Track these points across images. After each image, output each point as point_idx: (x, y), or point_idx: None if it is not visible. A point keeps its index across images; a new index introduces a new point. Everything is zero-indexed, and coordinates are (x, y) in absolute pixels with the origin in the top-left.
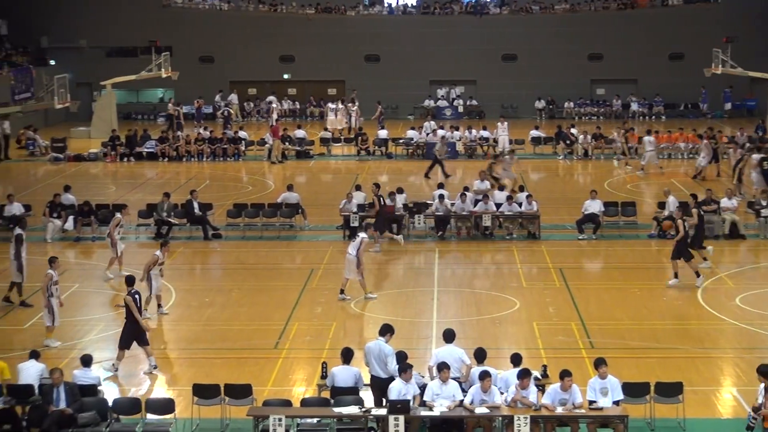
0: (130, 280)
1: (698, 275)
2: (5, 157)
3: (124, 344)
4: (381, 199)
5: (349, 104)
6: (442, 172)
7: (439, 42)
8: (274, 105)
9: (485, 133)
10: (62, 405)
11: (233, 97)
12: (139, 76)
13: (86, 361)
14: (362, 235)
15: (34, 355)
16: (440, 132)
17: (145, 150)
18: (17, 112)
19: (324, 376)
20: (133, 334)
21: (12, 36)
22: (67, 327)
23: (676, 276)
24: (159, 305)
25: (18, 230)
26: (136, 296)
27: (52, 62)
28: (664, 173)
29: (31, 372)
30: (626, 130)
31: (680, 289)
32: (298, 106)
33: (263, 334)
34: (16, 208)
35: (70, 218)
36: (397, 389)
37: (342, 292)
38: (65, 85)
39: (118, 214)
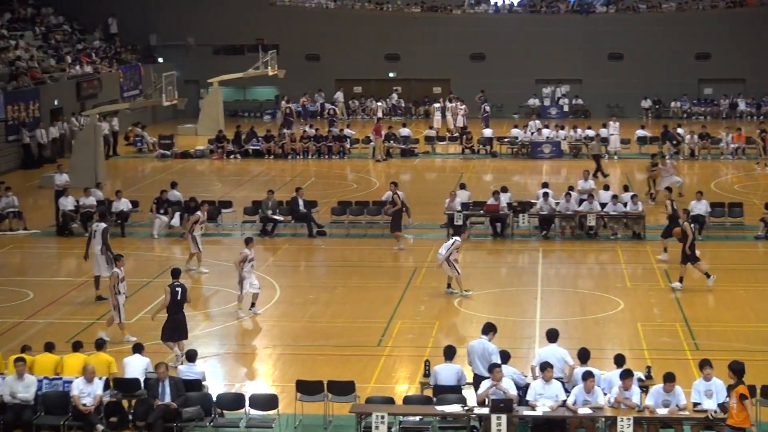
0: (175, 273)
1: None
2: (113, 154)
3: (177, 336)
4: (399, 197)
5: (456, 103)
6: (598, 169)
7: (545, 41)
8: (378, 103)
9: (590, 132)
10: (167, 399)
11: (339, 95)
12: (245, 74)
13: (191, 356)
14: (456, 238)
15: (138, 349)
16: (589, 132)
17: (251, 147)
18: (126, 109)
19: (427, 374)
20: (174, 324)
21: (122, 34)
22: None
23: None
24: (252, 304)
25: (103, 224)
26: (177, 289)
27: (161, 60)
28: None
29: (136, 366)
30: (762, 131)
31: None
32: (403, 105)
33: (366, 332)
34: (123, 204)
35: (177, 214)
36: (484, 387)
37: (449, 286)
38: (173, 83)
39: (198, 212)
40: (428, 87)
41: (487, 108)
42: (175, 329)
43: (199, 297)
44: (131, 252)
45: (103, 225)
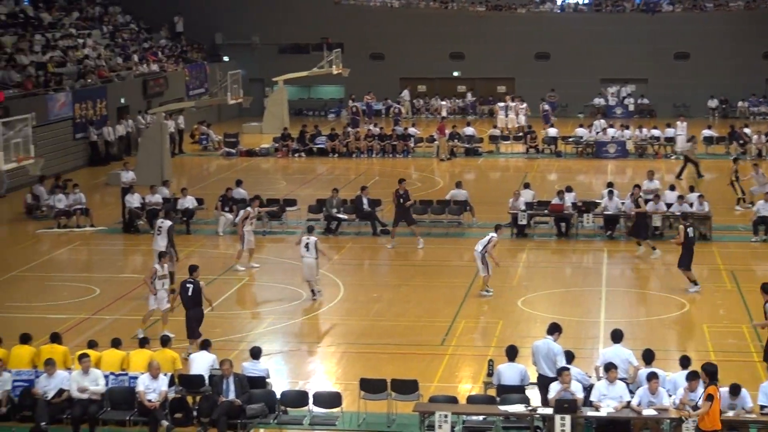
0: (191, 269)
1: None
2: (179, 151)
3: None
4: (405, 193)
5: (517, 102)
6: (696, 171)
7: (610, 40)
8: (442, 102)
9: (656, 132)
10: (231, 396)
11: (405, 94)
12: (310, 73)
13: (255, 353)
14: (492, 234)
15: (205, 345)
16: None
17: (316, 146)
18: (191, 108)
19: (490, 374)
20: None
21: (187, 33)
22: (236, 320)
23: None
24: (312, 291)
25: (169, 222)
26: (187, 286)
27: (226, 58)
28: None
29: (201, 362)
30: None
31: None
32: (467, 104)
33: (430, 331)
34: (189, 202)
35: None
36: (554, 390)
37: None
38: (238, 81)
39: (248, 208)
40: (492, 86)
41: (546, 107)
42: (193, 324)
43: (258, 294)
44: (196, 249)
45: (168, 222)
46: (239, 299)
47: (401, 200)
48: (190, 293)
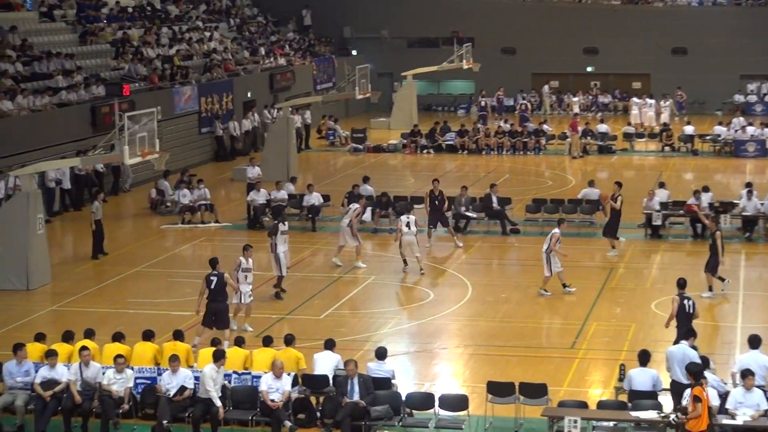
0: (212, 262)
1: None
2: (305, 147)
3: (216, 324)
4: (439, 193)
5: (661, 101)
6: None
7: (751, 35)
8: (575, 98)
9: None
10: (356, 397)
11: (546, 89)
12: (440, 67)
13: (381, 353)
14: (554, 230)
15: (329, 345)
16: None
17: (445, 142)
18: (318, 102)
19: (621, 379)
20: (210, 312)
21: (315, 26)
22: (362, 319)
23: None
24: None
25: (356, 205)
26: (211, 278)
27: (354, 52)
28: None
29: (326, 363)
30: None
31: None
32: (601, 100)
33: (560, 333)
34: (314, 198)
35: (368, 209)
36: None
37: (565, 285)
38: (366, 76)
39: (356, 205)
40: (627, 82)
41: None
42: (211, 316)
43: (383, 293)
44: (321, 247)
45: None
46: (364, 298)
47: (436, 202)
48: (213, 286)
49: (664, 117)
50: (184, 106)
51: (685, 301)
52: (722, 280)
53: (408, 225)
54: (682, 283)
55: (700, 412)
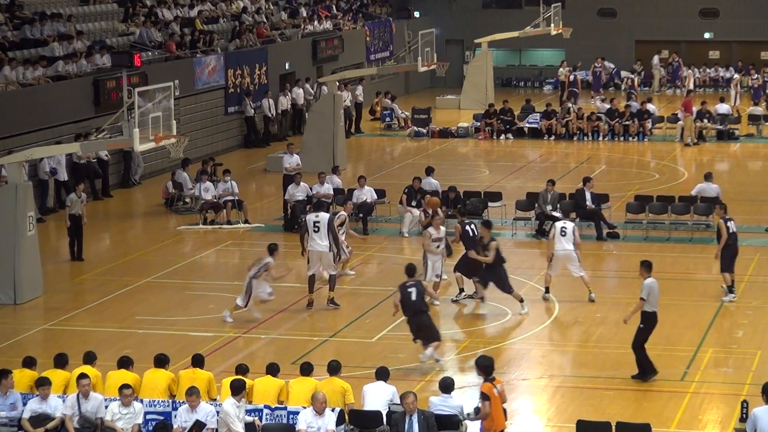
0: (409, 270)
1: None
2: (356, 131)
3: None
4: (465, 226)
5: None
6: None
7: None
8: (689, 71)
9: None
10: None
11: (656, 60)
12: (523, 33)
13: (446, 386)
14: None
15: (382, 375)
16: None
17: (527, 125)
18: (372, 76)
19: (743, 419)
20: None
21: None
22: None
23: None
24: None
25: (325, 214)
26: (410, 290)
27: (417, 14)
28: None
29: (378, 396)
30: None
31: None
32: (721, 74)
33: (668, 362)
34: (366, 194)
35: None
36: None
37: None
38: (431, 43)
39: (342, 212)
40: (754, 51)
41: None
42: (417, 332)
43: (447, 311)
44: (374, 253)
45: (326, 215)
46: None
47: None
48: (414, 297)
49: None
50: (208, 80)
51: None
52: None
53: (563, 232)
54: None
55: (488, 410)
